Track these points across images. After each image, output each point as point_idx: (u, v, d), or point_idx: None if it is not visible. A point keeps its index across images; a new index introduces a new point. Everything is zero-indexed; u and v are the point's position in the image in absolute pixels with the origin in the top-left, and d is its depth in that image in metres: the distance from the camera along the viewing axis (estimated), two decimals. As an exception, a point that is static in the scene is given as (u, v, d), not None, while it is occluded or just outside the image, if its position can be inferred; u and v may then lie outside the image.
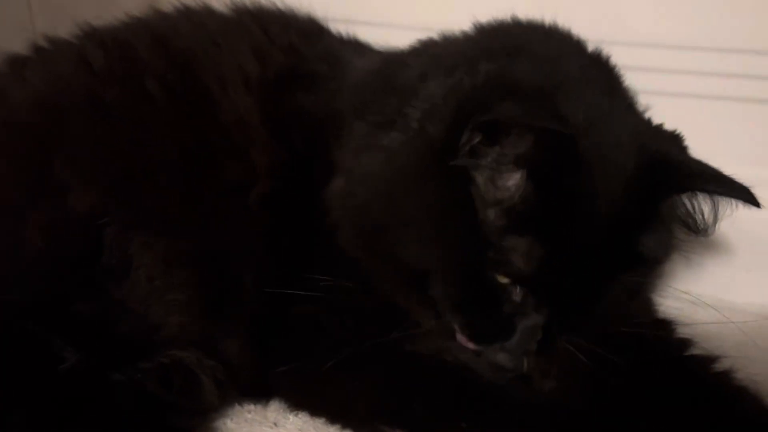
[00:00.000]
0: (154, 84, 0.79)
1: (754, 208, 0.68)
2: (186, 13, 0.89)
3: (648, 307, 0.83)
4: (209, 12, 0.90)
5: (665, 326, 0.81)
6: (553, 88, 0.68)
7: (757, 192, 0.86)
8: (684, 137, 0.77)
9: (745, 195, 0.67)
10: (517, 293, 0.68)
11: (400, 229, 0.70)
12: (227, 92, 0.80)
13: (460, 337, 0.72)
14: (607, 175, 0.66)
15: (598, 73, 0.76)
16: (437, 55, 0.80)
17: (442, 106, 0.69)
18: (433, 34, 0.86)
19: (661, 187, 0.68)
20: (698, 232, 0.72)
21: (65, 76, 0.81)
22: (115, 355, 0.73)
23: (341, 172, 0.75)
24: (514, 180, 0.65)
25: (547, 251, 0.64)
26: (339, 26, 0.95)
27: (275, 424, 0.80)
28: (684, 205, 0.71)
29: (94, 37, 0.86)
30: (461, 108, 0.67)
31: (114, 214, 0.75)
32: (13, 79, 0.81)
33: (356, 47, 0.93)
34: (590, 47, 0.80)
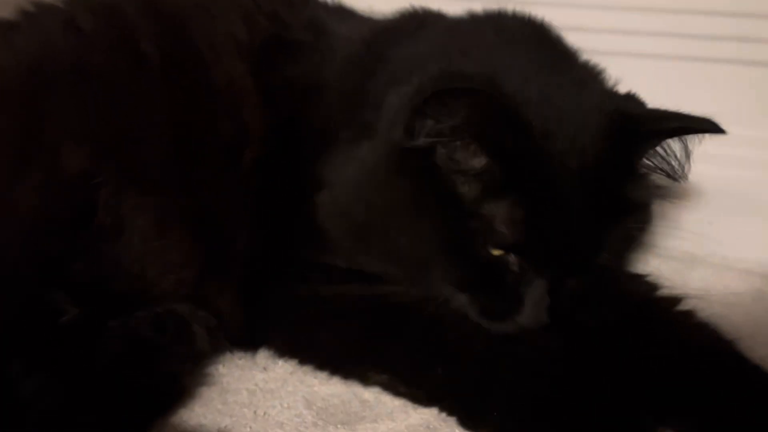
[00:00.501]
0: (148, 46, 0.81)
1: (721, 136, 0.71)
2: None
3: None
4: None
5: (636, 277, 0.86)
6: (495, 73, 0.70)
7: (728, 151, 0.91)
8: (639, 96, 0.79)
9: (708, 125, 0.70)
10: (514, 262, 0.70)
11: (382, 226, 0.73)
12: (220, 57, 0.83)
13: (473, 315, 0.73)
14: (570, 136, 0.68)
15: (550, 56, 0.79)
16: (403, 59, 0.80)
17: (400, 111, 0.71)
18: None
19: (630, 139, 0.71)
20: (675, 175, 0.75)
21: (54, 40, 0.82)
22: (111, 308, 0.77)
23: (325, 185, 0.77)
24: (467, 150, 0.68)
25: (528, 212, 0.67)
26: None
27: (265, 368, 0.85)
28: (657, 153, 0.74)
29: (81, 2, 0.87)
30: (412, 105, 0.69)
31: (106, 174, 0.77)
32: (2, 45, 0.83)
33: (341, 15, 0.95)
34: (548, 31, 0.83)
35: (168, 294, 0.80)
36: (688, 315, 0.79)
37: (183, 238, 0.80)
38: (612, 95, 0.77)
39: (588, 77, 0.80)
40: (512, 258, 0.69)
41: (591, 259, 0.71)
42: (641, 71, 0.98)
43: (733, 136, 0.98)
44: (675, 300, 0.81)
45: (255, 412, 0.78)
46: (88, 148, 0.77)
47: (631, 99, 0.78)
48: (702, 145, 0.93)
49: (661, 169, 0.75)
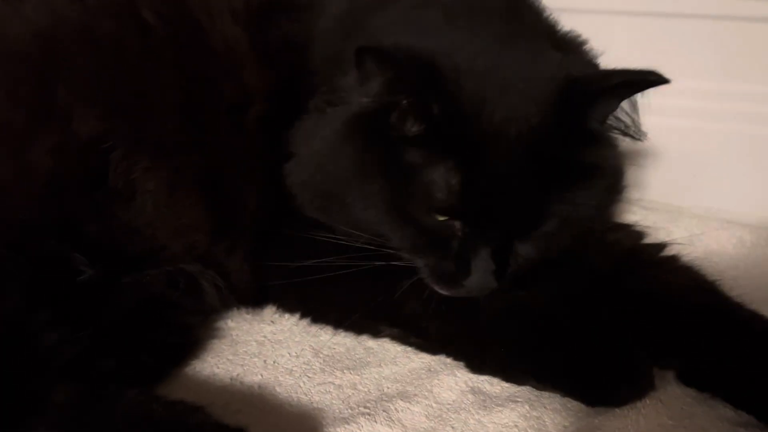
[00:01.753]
0: (149, 14, 0.83)
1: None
2: None
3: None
4: None
5: (623, 226, 0.90)
6: (444, 48, 0.72)
7: (711, 105, 0.93)
8: (586, 43, 0.84)
9: (652, 76, 0.69)
10: (458, 228, 0.72)
11: (342, 194, 0.76)
12: (214, 22, 0.85)
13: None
14: (512, 105, 0.69)
15: (516, 28, 0.80)
16: (374, 28, 0.81)
17: (355, 84, 0.73)
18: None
19: (575, 102, 0.70)
20: (633, 134, 0.77)
21: (61, 11, 0.84)
22: (124, 266, 0.81)
23: (292, 155, 0.80)
24: (405, 116, 0.71)
25: (464, 178, 0.69)
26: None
27: (272, 321, 0.89)
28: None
29: None
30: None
31: (117, 137, 0.80)
32: (11, 14, 0.85)
33: None
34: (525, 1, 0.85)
35: (178, 256, 0.83)
36: (673, 259, 0.84)
37: (194, 202, 0.83)
38: (570, 63, 0.75)
39: (552, 47, 0.79)
40: (457, 224, 0.72)
41: (534, 224, 0.72)
42: (624, 31, 1.01)
43: (717, 89, 1.03)
44: (660, 246, 0.85)
45: (265, 361, 0.82)
46: (98, 111, 0.80)
47: (589, 65, 0.80)
48: (684, 100, 0.98)
49: (619, 130, 0.77)
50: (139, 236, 0.81)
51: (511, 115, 0.69)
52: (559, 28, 0.86)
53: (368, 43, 0.71)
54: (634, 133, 0.77)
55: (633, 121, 0.75)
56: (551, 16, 0.87)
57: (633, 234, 0.87)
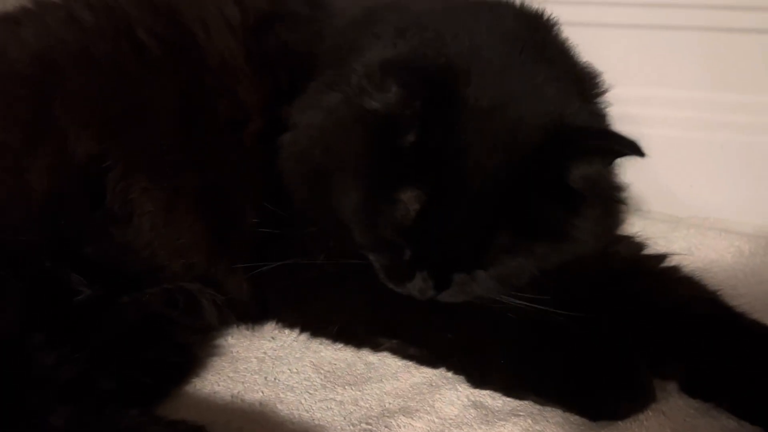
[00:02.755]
0: (144, 34, 0.84)
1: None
2: None
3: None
4: None
5: (623, 238, 0.89)
6: (459, 67, 0.73)
7: (706, 115, 0.92)
8: (600, 76, 0.83)
9: (632, 147, 0.68)
10: (406, 248, 0.74)
11: (332, 175, 0.77)
12: (211, 36, 0.86)
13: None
14: (488, 152, 0.70)
15: (531, 55, 0.77)
16: (390, 23, 0.82)
17: (373, 83, 0.73)
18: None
19: (556, 156, 0.70)
20: (618, 199, 0.79)
21: (57, 34, 0.85)
22: (123, 286, 0.80)
23: (290, 127, 0.81)
24: (409, 123, 0.71)
25: (423, 208, 0.71)
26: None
27: (272, 338, 0.89)
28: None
29: None
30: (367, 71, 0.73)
31: (114, 158, 0.80)
32: (9, 37, 0.86)
33: None
34: (543, 27, 0.83)
35: (178, 275, 0.83)
36: (674, 270, 0.84)
37: (192, 222, 0.83)
38: (571, 115, 0.74)
39: (563, 79, 0.78)
40: (405, 245, 0.74)
41: (476, 265, 0.74)
42: (619, 43, 1.02)
43: (713, 100, 1.04)
44: (660, 257, 0.85)
45: (265, 378, 0.82)
46: (95, 132, 0.80)
47: (593, 118, 0.78)
48: (683, 111, 0.98)
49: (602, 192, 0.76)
50: (137, 257, 0.81)
51: (483, 166, 0.70)
52: (577, 60, 0.84)
53: (393, 56, 0.71)
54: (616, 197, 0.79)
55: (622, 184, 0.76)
56: (571, 45, 0.85)
57: (632, 245, 0.87)
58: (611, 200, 0.81)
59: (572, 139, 0.71)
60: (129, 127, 0.82)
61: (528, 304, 0.76)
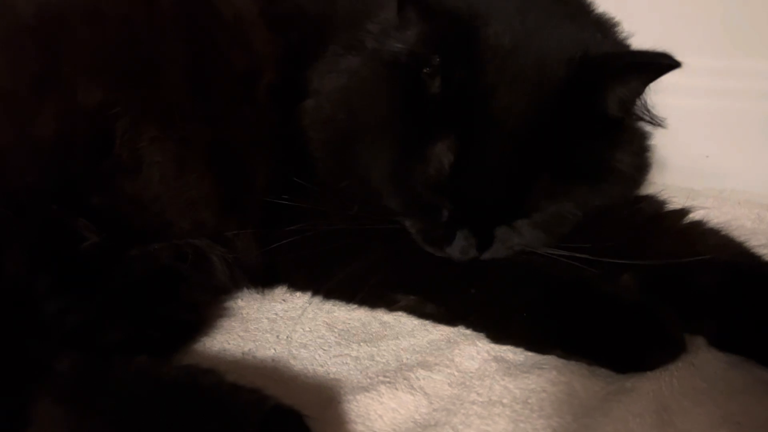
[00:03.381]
0: None
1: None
2: None
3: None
4: None
5: (644, 197, 0.86)
6: (480, 9, 0.71)
7: (721, 83, 0.90)
8: (618, 25, 0.81)
9: (665, 59, 0.67)
10: (446, 204, 0.72)
11: (360, 139, 0.75)
12: None
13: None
14: (516, 91, 0.68)
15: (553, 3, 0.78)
16: None
17: (392, 28, 0.73)
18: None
19: (587, 86, 0.69)
20: (654, 120, 0.76)
21: None
22: (131, 239, 0.78)
23: (311, 93, 0.80)
24: (433, 67, 0.69)
25: (457, 159, 0.68)
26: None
27: (284, 300, 0.86)
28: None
29: None
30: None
31: (123, 105, 0.78)
32: None
33: None
34: None
35: (186, 232, 0.81)
36: (699, 224, 0.82)
37: (202, 177, 0.81)
38: (593, 43, 0.73)
39: (583, 18, 0.80)
40: (444, 201, 0.72)
41: (516, 215, 0.72)
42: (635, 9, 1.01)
43: (725, 67, 1.03)
44: (683, 212, 0.83)
45: (278, 336, 0.79)
46: (104, 80, 0.78)
47: (616, 45, 0.78)
48: (694, 78, 0.96)
49: (643, 119, 0.75)
50: (145, 210, 0.79)
51: (511, 106, 0.68)
52: (593, 8, 0.84)
53: None
54: (653, 118, 0.76)
55: (645, 106, 0.73)
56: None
57: (655, 202, 0.85)
58: (644, 136, 0.79)
59: (603, 62, 0.69)
60: (138, 78, 0.80)
61: (572, 254, 0.73)
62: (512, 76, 0.69)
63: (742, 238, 0.84)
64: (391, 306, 0.81)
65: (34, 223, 0.72)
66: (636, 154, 0.76)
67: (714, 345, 0.73)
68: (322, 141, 0.79)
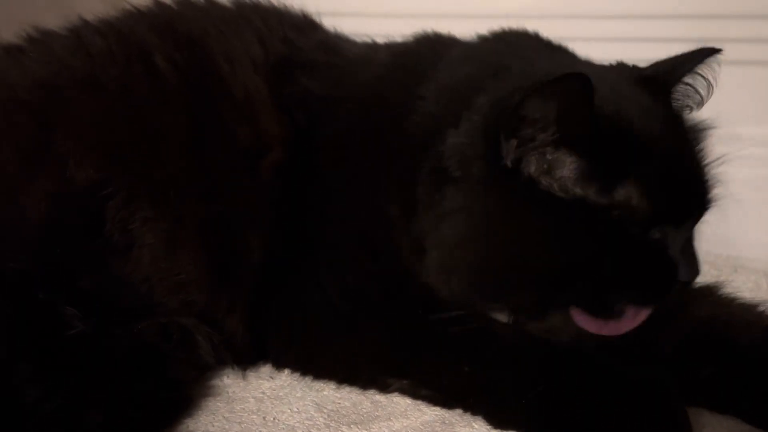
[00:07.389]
0: (162, 61, 0.82)
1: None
2: (186, 3, 0.93)
3: None
4: (210, 3, 0.93)
5: None
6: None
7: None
8: None
9: (709, 51, 0.77)
10: (655, 232, 0.69)
11: (513, 265, 0.69)
12: (235, 70, 0.84)
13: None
14: (640, 107, 0.72)
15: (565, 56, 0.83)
16: (444, 88, 0.78)
17: (470, 146, 0.70)
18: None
19: (664, 91, 0.76)
20: (698, 104, 0.81)
21: (63, 60, 0.83)
22: (117, 319, 0.75)
23: (427, 249, 0.74)
24: (557, 153, 0.67)
25: (648, 180, 0.67)
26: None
27: (271, 377, 0.83)
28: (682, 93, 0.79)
29: (88, 26, 0.89)
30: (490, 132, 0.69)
31: (116, 185, 0.77)
32: (11, 64, 0.84)
33: (348, 40, 0.96)
34: (546, 39, 0.84)
35: (174, 311, 0.79)
36: (713, 288, 0.82)
37: (194, 257, 0.79)
38: (633, 70, 0.80)
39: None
40: (654, 230, 0.70)
41: (710, 190, 0.75)
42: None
43: (740, 135, 1.02)
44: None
45: (264, 418, 0.75)
46: (98, 156, 0.77)
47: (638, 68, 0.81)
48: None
49: (689, 107, 0.81)
50: (133, 291, 0.77)
51: (643, 113, 0.71)
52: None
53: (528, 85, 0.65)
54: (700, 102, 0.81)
55: (707, 91, 0.80)
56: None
57: None
58: None
59: (665, 74, 0.77)
60: (135, 153, 0.79)
61: None
62: (625, 100, 0.72)
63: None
64: (384, 389, 0.78)
65: (19, 309, 0.70)
66: None
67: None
68: (460, 288, 0.72)
